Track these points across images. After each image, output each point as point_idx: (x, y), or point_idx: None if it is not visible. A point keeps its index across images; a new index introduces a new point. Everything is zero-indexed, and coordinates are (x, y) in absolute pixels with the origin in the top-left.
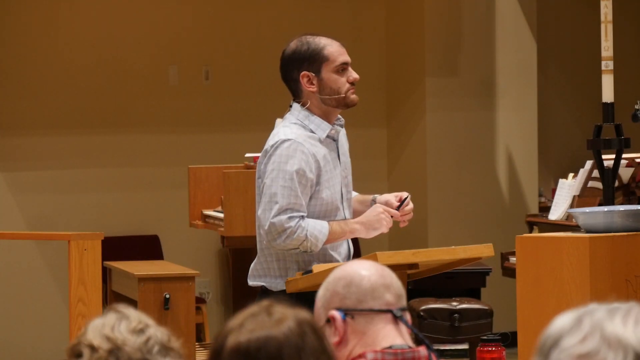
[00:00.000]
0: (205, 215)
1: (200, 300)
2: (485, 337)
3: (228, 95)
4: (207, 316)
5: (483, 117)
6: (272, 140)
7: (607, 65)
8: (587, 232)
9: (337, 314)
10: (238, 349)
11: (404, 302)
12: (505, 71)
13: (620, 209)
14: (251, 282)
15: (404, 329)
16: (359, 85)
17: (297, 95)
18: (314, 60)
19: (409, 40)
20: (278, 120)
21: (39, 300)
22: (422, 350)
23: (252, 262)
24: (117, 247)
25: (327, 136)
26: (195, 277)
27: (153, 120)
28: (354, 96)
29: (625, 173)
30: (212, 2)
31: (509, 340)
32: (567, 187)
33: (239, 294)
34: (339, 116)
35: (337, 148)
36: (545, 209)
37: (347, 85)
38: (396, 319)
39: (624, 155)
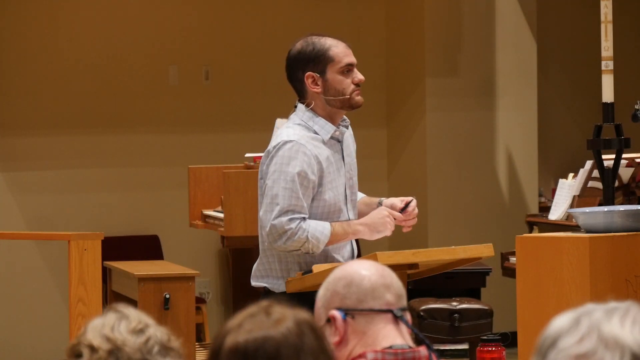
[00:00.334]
0: (205, 215)
1: (200, 300)
2: (485, 337)
3: (228, 95)
4: (207, 316)
5: (483, 117)
6: (274, 141)
7: (607, 65)
8: (587, 232)
9: (337, 314)
10: (236, 349)
11: (404, 302)
12: (505, 71)
13: (620, 209)
14: (254, 283)
15: (404, 329)
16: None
17: (301, 95)
18: (318, 61)
19: (409, 40)
20: (278, 120)
21: (39, 300)
22: (423, 350)
23: (252, 262)
24: (117, 247)
25: (331, 137)
26: (195, 277)
27: (153, 120)
28: (359, 97)
29: (625, 173)
30: (213, 2)
31: (509, 340)
32: (567, 187)
33: (239, 294)
34: (344, 117)
35: (342, 149)
36: (545, 209)
37: (352, 86)
38: (396, 318)
39: (624, 155)
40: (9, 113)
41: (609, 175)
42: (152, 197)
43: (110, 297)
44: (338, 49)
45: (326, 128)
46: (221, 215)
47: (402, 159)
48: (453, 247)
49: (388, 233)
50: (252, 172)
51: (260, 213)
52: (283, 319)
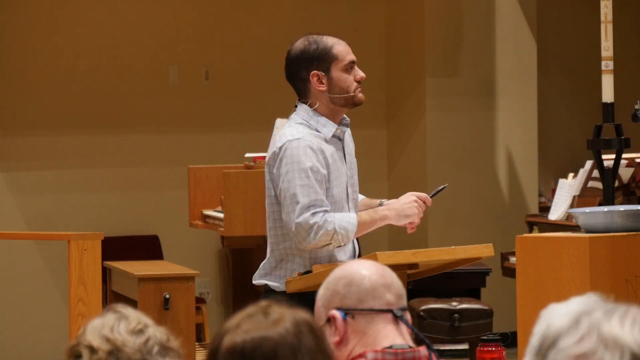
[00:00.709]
0: (205, 215)
1: (200, 300)
2: (485, 337)
3: (228, 95)
4: (207, 316)
5: (483, 117)
6: (279, 142)
7: (607, 65)
8: (587, 232)
9: (337, 314)
10: (234, 349)
11: (404, 302)
12: (505, 71)
13: (620, 209)
14: (255, 281)
15: (404, 328)
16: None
17: (303, 95)
18: (323, 59)
19: (409, 40)
20: (278, 120)
21: (39, 300)
22: (423, 350)
23: (252, 262)
24: (117, 247)
25: (333, 135)
26: (195, 277)
27: (153, 120)
28: (361, 95)
29: (625, 173)
30: (213, 2)
31: (509, 340)
32: (567, 187)
33: (239, 294)
34: (345, 116)
35: (343, 148)
36: (545, 209)
37: (355, 84)
38: (397, 318)
39: (624, 155)
40: (9, 113)
41: (609, 175)
42: (152, 197)
43: (110, 297)
44: (341, 47)
45: (328, 126)
46: (221, 215)
47: (402, 159)
48: (453, 247)
49: (416, 219)
50: (252, 172)
51: (283, 215)
52: (281, 319)
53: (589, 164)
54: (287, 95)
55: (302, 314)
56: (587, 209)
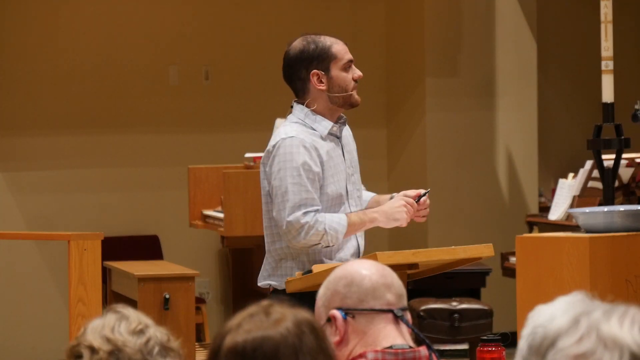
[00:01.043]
0: (205, 215)
1: (200, 300)
2: (485, 337)
3: (228, 95)
4: (207, 316)
5: (483, 117)
6: (273, 140)
7: (607, 65)
8: (587, 232)
9: (337, 314)
10: (235, 349)
11: (404, 302)
12: (505, 71)
13: (620, 209)
14: (260, 283)
15: (404, 328)
16: (360, 85)
17: (301, 95)
18: (322, 58)
19: (409, 40)
20: (278, 120)
21: (39, 300)
22: (423, 350)
23: (252, 262)
24: (117, 247)
25: (330, 133)
26: (195, 277)
27: (153, 120)
28: (357, 97)
29: (625, 173)
30: (212, 3)
31: (509, 340)
32: (567, 187)
33: (239, 294)
34: (341, 115)
35: (341, 146)
36: (545, 209)
37: (353, 82)
38: (397, 318)
39: (624, 155)
40: (9, 113)
41: (609, 175)
42: (152, 197)
43: (110, 297)
44: (339, 46)
45: (323, 124)
46: (221, 215)
47: (402, 159)
48: (453, 247)
49: (404, 223)
50: (252, 172)
51: (274, 213)
52: (282, 319)
53: (589, 164)
54: (287, 95)
55: (303, 313)
56: (587, 209)
